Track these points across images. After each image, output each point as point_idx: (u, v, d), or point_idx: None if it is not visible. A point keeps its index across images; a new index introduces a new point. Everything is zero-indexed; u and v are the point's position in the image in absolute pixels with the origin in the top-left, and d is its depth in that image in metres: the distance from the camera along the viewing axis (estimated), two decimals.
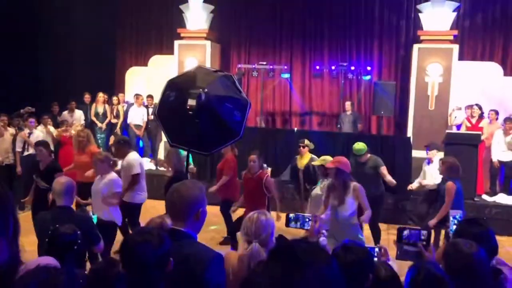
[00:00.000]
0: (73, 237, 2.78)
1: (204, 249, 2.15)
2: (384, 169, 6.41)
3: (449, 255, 2.10)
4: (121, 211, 5.25)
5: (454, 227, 2.69)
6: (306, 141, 7.07)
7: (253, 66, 11.10)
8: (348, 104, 10.49)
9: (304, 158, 6.96)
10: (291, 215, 3.04)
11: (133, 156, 5.63)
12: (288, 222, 3.04)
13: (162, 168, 8.74)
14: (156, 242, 1.87)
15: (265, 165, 9.08)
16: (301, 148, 7.01)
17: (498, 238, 4.05)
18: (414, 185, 7.25)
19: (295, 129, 10.55)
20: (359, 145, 6.54)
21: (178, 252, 2.03)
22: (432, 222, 5.40)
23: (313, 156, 6.80)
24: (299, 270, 1.14)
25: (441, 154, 7.56)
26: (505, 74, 10.25)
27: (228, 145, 3.48)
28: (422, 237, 2.47)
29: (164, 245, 1.89)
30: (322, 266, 1.17)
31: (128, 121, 10.62)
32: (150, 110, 10.70)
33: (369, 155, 6.56)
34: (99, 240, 3.48)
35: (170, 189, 2.26)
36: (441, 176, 5.92)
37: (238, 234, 2.70)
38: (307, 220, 2.98)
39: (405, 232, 2.51)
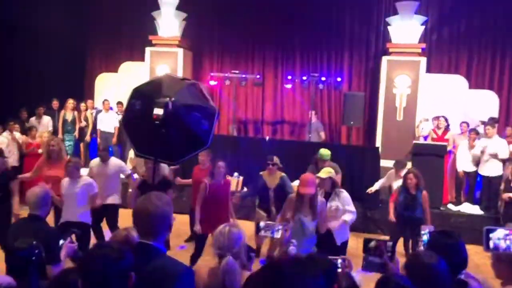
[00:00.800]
0: (29, 250, 2.66)
1: (173, 263, 2.12)
2: (338, 177, 6.23)
3: (410, 266, 2.11)
4: (99, 214, 5.56)
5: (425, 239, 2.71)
6: (275, 159, 6.36)
7: (226, 75, 11.08)
8: (312, 113, 10.57)
9: (275, 177, 6.34)
10: (261, 223, 3.02)
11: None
12: (258, 230, 3.03)
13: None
14: (115, 256, 1.82)
15: (236, 174, 9.12)
16: (270, 166, 6.32)
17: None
18: (373, 188, 7.48)
19: (267, 137, 10.60)
20: (326, 151, 6.75)
21: (147, 267, 2.00)
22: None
23: (284, 174, 6.33)
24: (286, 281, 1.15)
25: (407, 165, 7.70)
26: (470, 87, 10.55)
27: (195, 155, 3.42)
28: (388, 248, 2.48)
29: (124, 259, 1.84)
30: (309, 278, 1.18)
31: (98, 127, 10.43)
32: (120, 116, 10.55)
33: (328, 162, 6.68)
34: (59, 261, 3.17)
35: (138, 204, 2.21)
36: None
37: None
38: (277, 228, 2.96)
39: (371, 243, 2.52)
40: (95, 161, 6.49)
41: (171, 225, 2.24)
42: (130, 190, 6.18)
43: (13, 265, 2.61)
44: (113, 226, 6.07)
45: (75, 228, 3.40)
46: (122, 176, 6.53)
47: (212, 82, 11.18)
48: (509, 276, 2.52)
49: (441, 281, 2.08)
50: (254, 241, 5.83)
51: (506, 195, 7.36)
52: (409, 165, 8.21)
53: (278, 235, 2.96)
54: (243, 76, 10.96)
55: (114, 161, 6.50)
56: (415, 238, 5.83)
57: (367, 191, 7.56)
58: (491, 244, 2.20)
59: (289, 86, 11.32)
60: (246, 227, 5.05)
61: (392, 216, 6.35)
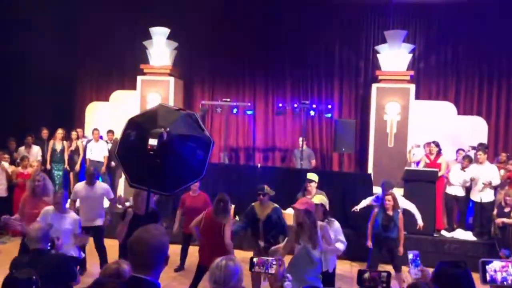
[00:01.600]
0: (28, 282, 2.74)
1: None
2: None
3: None
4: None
5: (413, 267, 2.70)
6: (267, 188, 5.98)
7: (217, 103, 11.15)
8: (300, 140, 10.60)
9: (266, 208, 5.97)
10: (255, 259, 2.92)
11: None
12: (252, 266, 2.94)
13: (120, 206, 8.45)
14: None
15: None
16: (261, 196, 5.93)
17: None
18: (358, 206, 7.64)
19: (259, 165, 10.60)
20: (314, 175, 6.84)
21: None
22: (401, 250, 6.37)
23: (276, 205, 6.07)
24: None
25: (396, 191, 7.73)
26: (459, 113, 10.71)
27: (190, 185, 3.40)
28: (382, 279, 2.46)
29: None
30: None
31: (87, 156, 10.37)
32: (110, 145, 10.52)
33: (316, 189, 6.72)
34: (76, 275, 3.65)
35: (135, 235, 2.15)
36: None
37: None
38: (272, 264, 2.89)
39: (365, 275, 2.49)
40: (80, 185, 6.70)
41: (168, 258, 2.20)
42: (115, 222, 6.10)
43: None
44: (101, 247, 6.38)
45: None
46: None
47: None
48: None
49: None
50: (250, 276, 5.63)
51: (499, 220, 7.41)
52: (400, 191, 8.25)
53: (272, 270, 2.89)
54: (234, 104, 11.02)
55: (100, 184, 6.83)
56: (394, 259, 6.44)
57: (352, 210, 7.66)
58: (488, 277, 2.19)
59: (280, 114, 11.38)
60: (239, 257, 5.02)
61: (369, 242, 6.66)
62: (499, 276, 2.11)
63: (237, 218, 8.51)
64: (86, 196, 6.49)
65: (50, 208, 5.41)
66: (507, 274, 2.08)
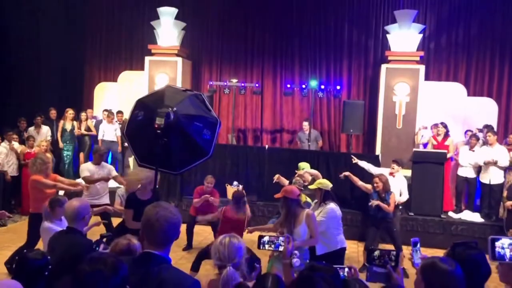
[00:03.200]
0: (42, 262, 2.79)
1: (182, 275, 2.10)
2: None
3: (428, 273, 2.07)
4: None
5: (415, 254, 2.68)
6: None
7: (225, 83, 11.13)
8: (305, 124, 10.61)
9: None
10: (265, 238, 2.97)
11: None
12: (261, 245, 2.97)
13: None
14: (108, 273, 1.78)
15: (235, 183, 9.12)
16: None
17: None
18: (359, 163, 7.77)
19: (266, 146, 10.60)
20: (305, 164, 7.09)
21: (156, 278, 1.99)
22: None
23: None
24: None
25: (404, 172, 7.73)
26: (469, 94, 10.59)
27: (197, 165, 3.44)
28: (392, 258, 2.47)
29: (116, 276, 1.80)
30: None
31: (99, 137, 10.44)
32: (120, 125, 10.60)
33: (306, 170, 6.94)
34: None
35: (151, 213, 2.14)
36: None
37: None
38: (281, 241, 2.93)
39: (375, 253, 2.51)
40: (88, 165, 6.83)
41: (179, 235, 2.23)
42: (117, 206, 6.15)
43: (21, 276, 2.66)
44: (109, 223, 6.40)
45: None
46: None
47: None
48: None
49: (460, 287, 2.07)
50: None
51: (509, 203, 7.38)
52: (408, 172, 8.25)
53: (281, 248, 2.93)
54: (242, 84, 10.99)
55: (105, 164, 7.05)
56: (394, 239, 6.62)
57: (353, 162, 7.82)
58: (496, 254, 2.20)
59: (288, 95, 11.36)
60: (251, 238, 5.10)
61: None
62: (507, 253, 2.11)
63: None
64: (94, 174, 6.63)
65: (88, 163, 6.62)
66: None
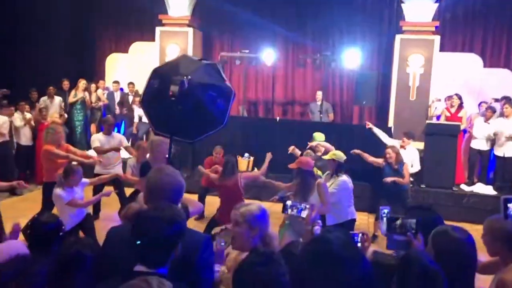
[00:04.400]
0: (54, 225, 2.87)
1: (193, 232, 2.15)
2: None
3: (438, 241, 2.09)
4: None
5: (383, 222, 2.70)
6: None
7: (236, 54, 11.05)
8: (319, 93, 10.53)
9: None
10: (288, 202, 3.03)
11: None
12: (284, 209, 3.03)
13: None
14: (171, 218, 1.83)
15: (247, 154, 9.18)
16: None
17: (475, 227, 4.17)
18: (377, 133, 7.79)
19: (278, 118, 10.61)
20: (319, 135, 7.14)
21: None
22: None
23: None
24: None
25: (417, 144, 7.73)
26: (485, 66, 10.43)
27: (211, 134, 3.48)
28: (412, 226, 2.50)
29: (178, 224, 1.85)
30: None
31: (135, 120, 10.49)
32: (131, 97, 10.68)
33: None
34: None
35: (155, 177, 2.20)
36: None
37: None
38: (304, 208, 2.98)
39: (397, 222, 2.53)
40: (99, 135, 6.95)
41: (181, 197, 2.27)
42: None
43: (38, 241, 2.73)
44: (121, 193, 6.62)
45: None
46: None
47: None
48: (503, 254, 2.52)
49: (472, 256, 2.09)
50: None
51: None
52: (421, 144, 8.23)
53: (304, 214, 2.98)
54: (253, 55, 10.92)
55: (116, 134, 7.17)
56: (403, 209, 6.43)
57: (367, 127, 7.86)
58: (509, 214, 2.21)
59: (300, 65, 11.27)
60: None
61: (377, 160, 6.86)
62: None
63: (255, 170, 8.65)
64: (105, 145, 6.75)
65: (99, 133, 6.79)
66: None
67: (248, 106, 12.03)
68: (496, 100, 9.17)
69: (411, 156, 7.23)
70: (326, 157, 5.57)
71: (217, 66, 3.45)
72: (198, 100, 3.28)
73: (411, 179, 7.33)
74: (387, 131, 9.06)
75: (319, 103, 10.45)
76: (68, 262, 2.24)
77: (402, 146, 7.28)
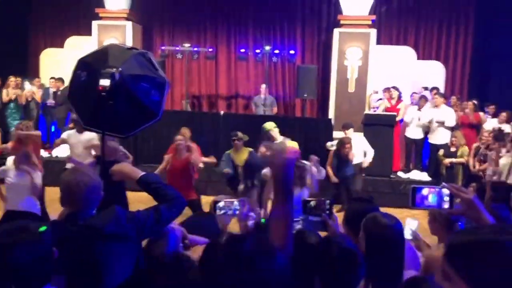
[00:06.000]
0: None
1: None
2: None
3: (368, 227, 2.11)
4: None
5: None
6: (240, 134, 6.32)
7: (177, 48, 10.82)
8: (263, 87, 10.56)
9: (242, 153, 6.30)
10: (220, 202, 2.76)
11: None
12: (215, 210, 2.76)
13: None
14: (30, 240, 1.65)
15: None
16: (236, 142, 6.28)
17: (413, 212, 4.29)
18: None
19: (222, 112, 10.49)
20: (269, 123, 6.81)
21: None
22: None
23: (251, 150, 6.27)
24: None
25: (358, 134, 7.92)
26: (418, 58, 10.82)
27: (146, 127, 3.32)
28: (326, 206, 2.52)
29: (41, 242, 1.67)
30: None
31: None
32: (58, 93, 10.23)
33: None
34: None
35: (69, 178, 2.12)
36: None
37: None
38: (237, 206, 2.82)
39: (311, 203, 2.53)
40: (70, 132, 6.88)
41: (101, 197, 2.19)
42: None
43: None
44: None
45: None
46: None
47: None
48: (443, 235, 2.80)
49: (400, 242, 2.12)
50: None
51: (447, 161, 7.83)
52: (359, 135, 8.42)
53: (237, 211, 2.83)
54: (195, 49, 10.74)
55: (87, 132, 6.79)
56: (349, 192, 7.05)
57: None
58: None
59: (242, 59, 11.22)
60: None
61: (334, 178, 7.11)
62: (426, 202, 2.10)
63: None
64: (76, 142, 6.65)
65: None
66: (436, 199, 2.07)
67: (192, 101, 11.85)
68: (426, 89, 9.57)
69: (361, 145, 7.45)
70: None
71: (148, 55, 3.29)
72: (131, 93, 3.11)
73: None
74: (327, 122, 9.24)
75: (263, 96, 10.44)
76: None
77: None
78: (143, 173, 2.30)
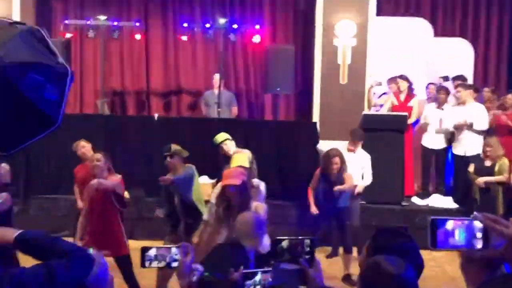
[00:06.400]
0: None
1: None
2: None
3: (370, 277, 2.14)
4: None
5: None
6: (174, 147, 6.29)
7: (88, 22, 10.72)
8: (216, 78, 10.61)
9: (179, 173, 6.32)
10: (151, 250, 2.72)
11: None
12: (145, 263, 2.72)
13: None
14: None
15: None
16: (168, 159, 6.26)
17: (433, 254, 4.34)
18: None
19: (156, 115, 10.43)
20: (219, 135, 7.16)
21: None
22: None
23: (190, 165, 6.35)
24: None
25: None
26: (436, 34, 11.04)
27: (39, 139, 3.23)
28: (306, 249, 2.51)
29: None
30: None
31: None
32: None
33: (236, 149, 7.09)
34: None
35: None
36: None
37: None
38: (175, 254, 2.75)
39: (283, 244, 2.52)
40: None
41: None
42: None
43: None
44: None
45: None
46: None
47: (68, 35, 10.77)
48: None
49: None
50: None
51: (480, 180, 7.68)
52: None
53: (175, 264, 2.77)
54: (115, 24, 10.68)
55: None
56: (344, 236, 7.07)
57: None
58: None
59: (185, 37, 11.20)
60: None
61: (313, 208, 7.18)
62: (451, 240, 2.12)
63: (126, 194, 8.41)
64: None
65: None
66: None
67: (111, 100, 11.77)
68: (446, 79, 9.70)
69: (362, 162, 7.62)
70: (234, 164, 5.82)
71: (41, 33, 3.20)
72: (14, 89, 3.03)
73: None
74: (312, 127, 9.30)
75: (216, 91, 10.46)
76: None
77: (350, 150, 7.57)
78: (19, 231, 2.20)
